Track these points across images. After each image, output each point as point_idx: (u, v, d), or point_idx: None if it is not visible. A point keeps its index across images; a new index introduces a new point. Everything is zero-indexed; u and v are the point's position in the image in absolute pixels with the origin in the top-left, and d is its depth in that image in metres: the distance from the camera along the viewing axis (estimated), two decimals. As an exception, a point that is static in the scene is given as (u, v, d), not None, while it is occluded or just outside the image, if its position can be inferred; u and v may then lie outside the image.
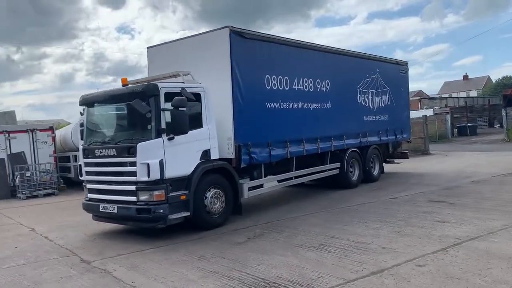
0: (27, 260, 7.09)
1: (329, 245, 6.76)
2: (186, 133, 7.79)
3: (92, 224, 9.09)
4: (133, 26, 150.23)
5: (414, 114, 34.64)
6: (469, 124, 37.88)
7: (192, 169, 8.08)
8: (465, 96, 69.42)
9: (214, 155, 8.52)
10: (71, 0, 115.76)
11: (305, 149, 10.71)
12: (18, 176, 15.27)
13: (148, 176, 7.50)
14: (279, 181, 10.88)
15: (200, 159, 8.25)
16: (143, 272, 6.11)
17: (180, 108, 7.68)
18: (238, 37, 9.04)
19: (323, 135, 11.33)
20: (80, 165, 8.88)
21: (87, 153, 8.53)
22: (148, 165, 7.48)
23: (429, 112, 37.00)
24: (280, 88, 10.09)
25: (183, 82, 8.37)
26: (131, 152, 7.67)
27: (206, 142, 8.39)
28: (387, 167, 15.53)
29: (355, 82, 12.84)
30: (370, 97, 13.46)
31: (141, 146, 7.60)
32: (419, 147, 23.76)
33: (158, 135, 7.65)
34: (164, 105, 7.73)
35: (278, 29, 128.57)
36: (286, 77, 10.24)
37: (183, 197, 7.88)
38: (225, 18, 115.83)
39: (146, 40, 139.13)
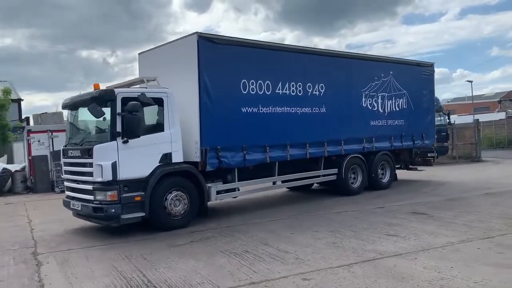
0: (-10, 250, 7.86)
1: (252, 252, 6.71)
2: (139, 136, 8.13)
3: (78, 220, 9.72)
4: (217, 29, 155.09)
5: (486, 117, 32.38)
6: (550, 129, 34.27)
7: (150, 171, 8.39)
8: None
9: (177, 159, 8.74)
10: (161, 5, 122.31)
11: (289, 154, 10.56)
12: (54, 172, 16.71)
13: (101, 177, 7.96)
14: (261, 185, 10.81)
15: (160, 162, 8.51)
16: (67, 267, 6.51)
17: (133, 113, 8.04)
18: (208, 42, 9.18)
19: (314, 140, 11.08)
20: (61, 165, 9.60)
21: (64, 153, 9.21)
22: (101, 166, 7.94)
23: (501, 115, 34.34)
24: (260, 93, 10.05)
25: (146, 88, 8.75)
26: (90, 153, 8.18)
27: (167, 146, 8.64)
28: (413, 174, 14.81)
29: (359, 85, 12.36)
30: (379, 100, 12.88)
31: (96, 149, 8.09)
32: (470, 154, 22.17)
33: (113, 138, 8.06)
34: (120, 109, 8.13)
35: (362, 28, 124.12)
36: (268, 82, 10.18)
37: (138, 198, 8.22)
38: (305, 18, 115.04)
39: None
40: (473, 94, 55.50)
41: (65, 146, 9.30)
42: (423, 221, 8.43)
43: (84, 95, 8.78)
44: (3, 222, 10.62)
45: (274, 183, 10.77)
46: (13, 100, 25.30)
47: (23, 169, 17.90)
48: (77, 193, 8.75)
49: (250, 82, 9.89)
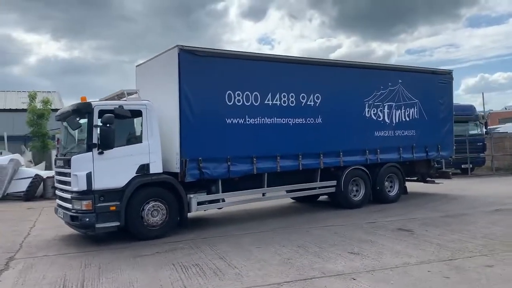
0: (-29, 254, 8.34)
1: (201, 266, 6.69)
2: (112, 148, 8.35)
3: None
4: (273, 37, 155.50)
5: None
6: None
7: (126, 182, 8.58)
8: None
9: (155, 169, 8.88)
10: (218, 15, 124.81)
11: (279, 166, 10.41)
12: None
13: (77, 187, 8.26)
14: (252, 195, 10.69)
15: (137, 173, 8.69)
16: (26, 273, 6.78)
17: (108, 125, 8.29)
18: (190, 55, 9.28)
19: (308, 152, 10.86)
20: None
21: (55, 163, 9.67)
22: (77, 176, 8.24)
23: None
24: (247, 104, 10.01)
25: (125, 100, 9.00)
26: (69, 164, 8.53)
27: (145, 157, 8.79)
28: (431, 187, 14.20)
29: (362, 95, 11.97)
30: (386, 110, 12.41)
31: (74, 159, 8.42)
32: (511, 166, 20.73)
33: (89, 149, 8.35)
34: (98, 122, 8.41)
35: (422, 32, 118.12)
36: (256, 93, 10.12)
37: (113, 208, 8.42)
38: (362, 23, 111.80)
39: (284, 50, 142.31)
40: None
41: (56, 156, 9.75)
42: (400, 238, 8.01)
43: (67, 107, 9.17)
44: (8, 226, 11.23)
45: (263, 194, 10.63)
46: (56, 110, 26.81)
47: (55, 175, 18.88)
48: (62, 201, 9.13)
49: (236, 93, 9.87)
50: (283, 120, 10.58)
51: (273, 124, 10.42)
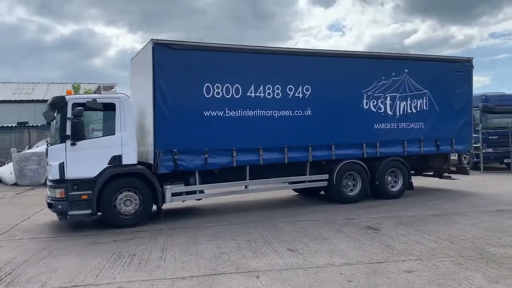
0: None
1: (136, 256, 6.87)
2: (81, 139, 8.78)
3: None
4: (344, 23, 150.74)
5: None
6: None
7: (98, 172, 8.98)
8: None
9: (128, 161, 9.19)
10: (287, 3, 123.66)
11: (262, 159, 10.32)
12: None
13: (51, 176, 8.79)
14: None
15: (109, 164, 9.06)
16: (-13, 254, 7.42)
17: (78, 118, 8.71)
18: (165, 48, 9.43)
19: (295, 145, 10.64)
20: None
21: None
22: (51, 166, 8.78)
23: None
24: (227, 96, 10.00)
25: (100, 94, 9.38)
26: (47, 154, 9.10)
27: (117, 148, 9.12)
28: (450, 183, 13.43)
29: (359, 85, 11.45)
30: (388, 102, 11.79)
31: (50, 150, 8.99)
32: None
33: (62, 141, 8.83)
34: (70, 114, 8.85)
35: (508, 13, 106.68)
36: (237, 85, 10.08)
37: (84, 197, 8.86)
38: (440, 5, 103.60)
39: (356, 36, 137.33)
40: None
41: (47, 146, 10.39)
42: (356, 237, 7.67)
43: (48, 101, 9.73)
44: (19, 210, 12.11)
45: (246, 187, 10.60)
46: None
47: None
48: (47, 189, 9.75)
49: (215, 86, 9.89)
50: (267, 113, 10.44)
51: (256, 116, 10.31)
